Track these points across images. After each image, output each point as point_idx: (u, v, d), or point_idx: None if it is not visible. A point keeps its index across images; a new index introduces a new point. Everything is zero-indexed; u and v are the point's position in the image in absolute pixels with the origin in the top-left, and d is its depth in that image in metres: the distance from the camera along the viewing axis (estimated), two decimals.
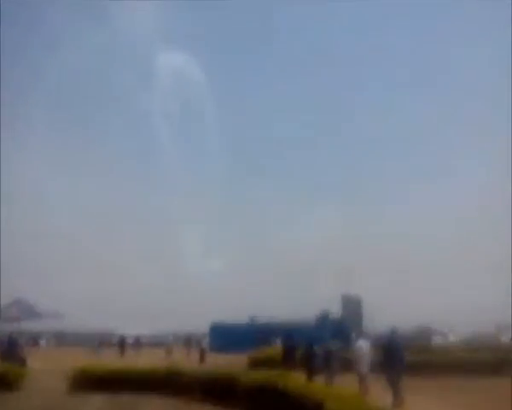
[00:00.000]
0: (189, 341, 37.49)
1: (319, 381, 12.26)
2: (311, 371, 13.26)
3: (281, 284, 78.71)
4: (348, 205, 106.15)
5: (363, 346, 12.80)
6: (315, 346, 14.29)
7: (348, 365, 13.26)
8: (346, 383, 11.76)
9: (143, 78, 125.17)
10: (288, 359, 15.51)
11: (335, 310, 38.70)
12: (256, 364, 19.68)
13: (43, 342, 53.72)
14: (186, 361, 22.56)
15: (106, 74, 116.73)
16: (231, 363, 20.61)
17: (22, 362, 16.63)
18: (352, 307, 38.21)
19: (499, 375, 15.80)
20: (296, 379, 9.45)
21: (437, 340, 41.59)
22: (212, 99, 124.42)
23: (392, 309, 39.40)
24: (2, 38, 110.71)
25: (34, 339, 43.50)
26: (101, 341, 38.79)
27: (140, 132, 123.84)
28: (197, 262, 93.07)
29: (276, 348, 21.37)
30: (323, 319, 37.14)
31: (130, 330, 56.63)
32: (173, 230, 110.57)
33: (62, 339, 58.23)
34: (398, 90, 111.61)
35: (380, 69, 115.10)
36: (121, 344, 33.95)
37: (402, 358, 11.55)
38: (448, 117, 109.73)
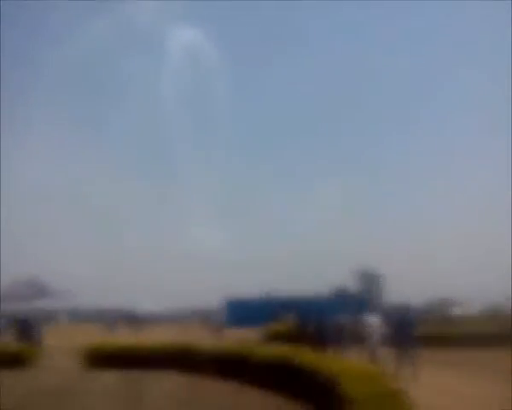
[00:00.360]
0: (206, 317, 37.66)
1: (330, 354, 12.27)
2: (322, 345, 13.23)
3: (298, 261, 78.80)
4: (365, 181, 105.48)
5: (373, 321, 13.00)
6: (327, 320, 14.51)
7: (359, 339, 13.29)
8: (356, 357, 11.77)
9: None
10: (300, 333, 15.49)
11: (354, 285, 38.59)
12: (271, 338, 19.60)
13: (62, 319, 54.92)
14: (202, 337, 22.58)
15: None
16: (247, 338, 20.55)
17: (38, 342, 16.81)
18: (371, 281, 37.94)
19: None
20: (309, 354, 9.17)
21: (456, 311, 41.16)
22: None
23: (412, 282, 38.91)
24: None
25: (51, 317, 43.99)
26: (116, 318, 39.19)
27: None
28: (212, 240, 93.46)
29: (290, 322, 21.22)
30: (341, 294, 36.91)
31: (147, 306, 57.40)
32: (187, 210, 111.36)
33: (78, 316, 59.05)
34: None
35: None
36: (136, 321, 34.21)
37: (412, 333, 11.59)
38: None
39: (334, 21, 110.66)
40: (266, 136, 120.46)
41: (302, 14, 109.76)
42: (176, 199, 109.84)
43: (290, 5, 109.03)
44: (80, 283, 63.11)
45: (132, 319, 35.04)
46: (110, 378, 10.88)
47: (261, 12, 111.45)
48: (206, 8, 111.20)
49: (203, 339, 20.51)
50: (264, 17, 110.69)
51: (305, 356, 8.56)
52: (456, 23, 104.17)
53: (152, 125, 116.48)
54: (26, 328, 17.73)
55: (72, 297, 57.04)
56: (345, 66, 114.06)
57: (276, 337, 18.31)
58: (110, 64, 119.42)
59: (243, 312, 37.89)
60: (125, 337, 20.15)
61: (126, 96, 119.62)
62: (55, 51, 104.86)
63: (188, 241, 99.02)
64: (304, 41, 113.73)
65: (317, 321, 14.50)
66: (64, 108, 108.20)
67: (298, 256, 78.43)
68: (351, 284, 39.70)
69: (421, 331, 17.46)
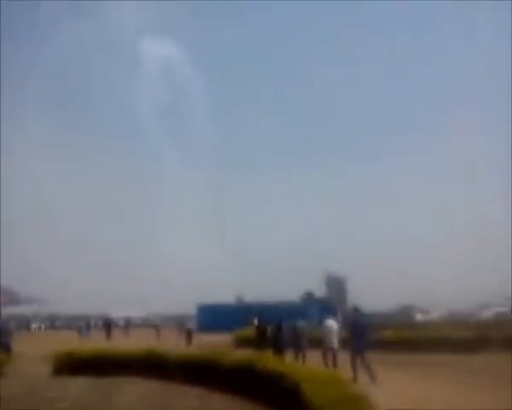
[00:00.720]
0: (180, 322, 38.10)
1: (288, 358, 12.80)
2: (278, 349, 13.77)
3: (268, 266, 79.77)
4: (334, 185, 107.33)
5: (331, 324, 13.36)
6: (284, 325, 14.74)
7: (318, 342, 13.75)
8: (313, 359, 12.60)
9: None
10: (260, 338, 15.85)
11: (320, 290, 39.83)
12: (239, 343, 20.34)
13: (34, 326, 53.70)
14: (174, 342, 23.23)
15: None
16: (217, 343, 21.26)
17: (8, 349, 16.42)
18: (337, 286, 39.19)
19: (479, 351, 16.39)
20: (272, 359, 9.79)
21: (420, 317, 42.64)
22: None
23: (376, 288, 40.39)
24: None
25: (26, 323, 43.33)
26: (88, 323, 39.18)
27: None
28: (186, 246, 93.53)
29: (253, 327, 21.92)
30: (308, 298, 38.01)
31: (122, 312, 57.12)
32: (164, 213, 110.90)
33: (53, 323, 58.35)
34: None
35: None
36: (108, 326, 34.27)
37: (365, 335, 11.75)
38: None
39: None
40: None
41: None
42: (154, 204, 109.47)
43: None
44: (53, 289, 62.42)
45: (106, 325, 35.12)
46: (78, 385, 10.94)
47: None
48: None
49: (175, 344, 21.20)
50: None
51: (267, 361, 8.94)
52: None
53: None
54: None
55: (46, 304, 56.08)
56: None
57: (244, 342, 19.10)
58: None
59: (214, 317, 38.53)
60: (97, 343, 20.44)
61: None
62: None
63: (165, 245, 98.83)
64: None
65: (275, 326, 14.72)
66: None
67: (274, 262, 79.44)
68: (318, 288, 40.84)
69: (384, 335, 18.61)
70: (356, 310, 13.10)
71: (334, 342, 12.97)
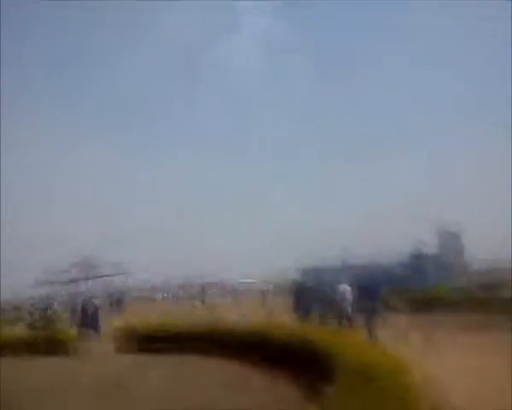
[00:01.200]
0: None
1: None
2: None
3: (373, 224, 76.25)
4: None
5: (345, 289, 12.86)
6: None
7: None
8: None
9: None
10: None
11: (432, 246, 36.24)
12: None
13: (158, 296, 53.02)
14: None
15: None
16: None
17: (96, 330, 16.37)
18: (451, 242, 35.32)
19: None
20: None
21: None
22: None
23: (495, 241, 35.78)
24: None
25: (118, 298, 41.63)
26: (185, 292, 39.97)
27: None
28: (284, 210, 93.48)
29: None
30: (417, 256, 34.78)
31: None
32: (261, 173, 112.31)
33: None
34: None
35: None
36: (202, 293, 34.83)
37: (377, 297, 11.94)
38: None
39: None
40: None
41: None
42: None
43: None
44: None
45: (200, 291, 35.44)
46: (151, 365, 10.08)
47: None
48: None
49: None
50: None
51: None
52: None
53: None
54: (87, 313, 16.75)
55: (125, 276, 56.18)
56: None
57: None
58: None
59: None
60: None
61: None
62: None
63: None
64: None
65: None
66: None
67: (375, 220, 76.12)
68: (431, 245, 37.08)
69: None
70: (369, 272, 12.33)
71: (348, 308, 12.58)
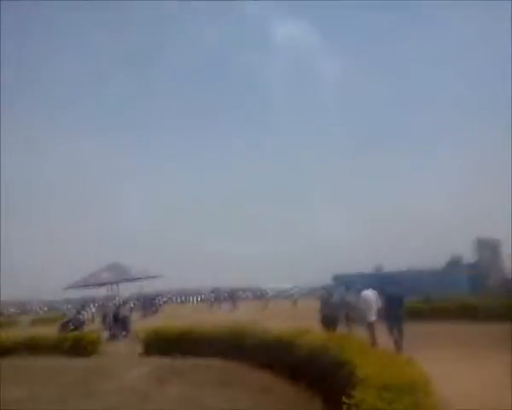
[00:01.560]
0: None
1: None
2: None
3: (410, 233, 74.47)
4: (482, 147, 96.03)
5: (369, 295, 12.51)
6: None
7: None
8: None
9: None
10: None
11: (469, 255, 35.26)
12: None
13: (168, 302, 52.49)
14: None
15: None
16: None
17: (127, 331, 16.73)
18: (489, 251, 34.26)
19: None
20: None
21: None
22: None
23: None
24: None
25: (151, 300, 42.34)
26: (216, 296, 40.33)
27: None
28: (321, 218, 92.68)
29: None
30: (454, 265, 33.96)
31: (262, 284, 58.23)
32: (298, 187, 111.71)
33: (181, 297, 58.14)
34: None
35: None
36: (232, 298, 34.83)
37: (399, 306, 11.51)
38: None
39: None
40: None
41: None
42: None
43: None
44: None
45: (229, 296, 35.69)
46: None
47: None
48: None
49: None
50: None
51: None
52: None
53: None
54: (118, 316, 17.32)
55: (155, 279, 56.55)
56: None
57: None
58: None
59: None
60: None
61: None
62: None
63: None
64: None
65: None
66: None
67: (413, 229, 74.25)
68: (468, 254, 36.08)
69: None
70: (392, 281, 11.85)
71: (372, 315, 12.17)
